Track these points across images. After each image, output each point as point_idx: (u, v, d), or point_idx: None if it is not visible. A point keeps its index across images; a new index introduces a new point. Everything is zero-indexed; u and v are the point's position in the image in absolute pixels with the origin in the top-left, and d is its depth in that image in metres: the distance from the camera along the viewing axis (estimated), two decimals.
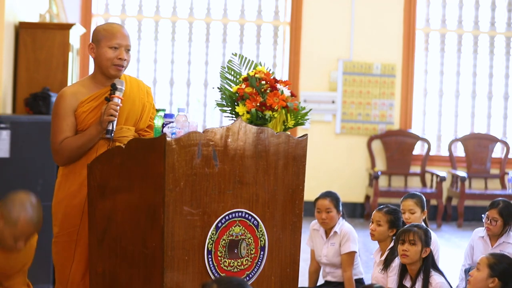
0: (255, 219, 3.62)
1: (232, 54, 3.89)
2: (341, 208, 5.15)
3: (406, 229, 4.31)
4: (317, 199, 5.15)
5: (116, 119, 3.72)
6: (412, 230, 4.25)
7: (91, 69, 9.55)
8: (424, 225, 4.38)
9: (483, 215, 4.89)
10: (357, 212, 9.77)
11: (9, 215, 3.54)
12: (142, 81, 4.02)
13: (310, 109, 3.98)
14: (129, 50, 3.85)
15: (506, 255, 4.06)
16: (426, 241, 4.22)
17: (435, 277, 4.18)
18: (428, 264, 4.22)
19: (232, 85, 3.78)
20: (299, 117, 3.78)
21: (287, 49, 9.82)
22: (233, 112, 3.73)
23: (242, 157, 3.57)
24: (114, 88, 3.75)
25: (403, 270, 4.29)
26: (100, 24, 3.94)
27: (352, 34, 9.74)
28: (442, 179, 9.28)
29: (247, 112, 3.64)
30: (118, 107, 3.70)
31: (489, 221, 4.82)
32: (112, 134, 3.70)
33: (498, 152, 9.95)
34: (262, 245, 3.65)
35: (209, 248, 3.48)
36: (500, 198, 4.93)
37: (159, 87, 9.83)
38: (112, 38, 3.80)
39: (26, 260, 3.80)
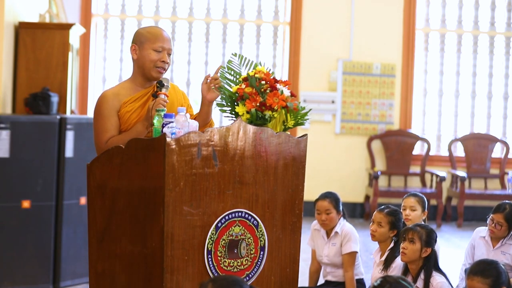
0: (255, 219, 3.62)
1: (232, 54, 3.89)
2: (341, 208, 5.13)
3: (409, 227, 4.31)
4: (316, 201, 5.13)
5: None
6: (414, 228, 4.25)
7: (91, 69, 9.59)
8: (430, 226, 4.37)
9: (488, 217, 4.84)
10: (357, 212, 9.77)
11: None
12: (177, 86, 4.05)
13: (310, 109, 3.98)
14: (170, 54, 3.89)
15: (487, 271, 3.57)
16: (427, 241, 4.20)
17: (436, 277, 4.17)
18: (430, 264, 4.21)
19: (232, 85, 3.78)
20: (299, 117, 3.77)
21: (287, 49, 9.82)
22: (233, 112, 3.72)
23: (241, 157, 3.57)
24: (161, 85, 3.77)
25: (406, 270, 4.29)
26: (142, 27, 3.98)
27: (351, 34, 9.74)
28: (442, 179, 9.28)
29: (247, 112, 3.64)
30: (165, 103, 3.71)
31: (493, 225, 4.77)
32: None
33: (497, 152, 9.95)
34: (262, 245, 3.65)
35: (209, 248, 3.48)
36: (506, 202, 4.81)
37: None
38: (156, 41, 3.84)
39: None
